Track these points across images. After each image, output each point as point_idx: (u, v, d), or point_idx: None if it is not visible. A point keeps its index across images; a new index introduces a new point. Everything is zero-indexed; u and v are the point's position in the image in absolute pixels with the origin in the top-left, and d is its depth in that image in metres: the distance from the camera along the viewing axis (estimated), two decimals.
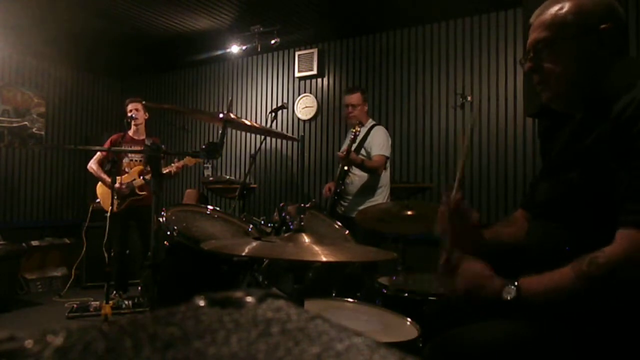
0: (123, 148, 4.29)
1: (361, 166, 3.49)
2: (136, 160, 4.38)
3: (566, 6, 1.16)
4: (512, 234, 1.41)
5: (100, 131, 6.09)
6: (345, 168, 3.59)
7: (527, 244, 1.30)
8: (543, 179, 1.29)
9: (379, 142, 3.58)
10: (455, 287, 1.17)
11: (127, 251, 4.41)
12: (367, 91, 4.10)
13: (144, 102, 4.61)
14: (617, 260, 0.97)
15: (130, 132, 4.37)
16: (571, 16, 1.15)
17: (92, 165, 4.36)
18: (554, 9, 1.18)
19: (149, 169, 4.27)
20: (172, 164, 4.19)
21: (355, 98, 3.70)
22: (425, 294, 1.88)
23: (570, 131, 1.23)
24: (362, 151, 3.60)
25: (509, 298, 1.06)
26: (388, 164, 3.65)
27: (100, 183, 4.39)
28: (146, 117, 4.47)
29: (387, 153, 3.58)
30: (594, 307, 1.05)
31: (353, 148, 3.55)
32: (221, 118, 2.14)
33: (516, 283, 1.07)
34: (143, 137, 4.38)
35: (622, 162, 1.02)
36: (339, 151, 3.59)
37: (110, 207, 3.86)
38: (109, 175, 3.93)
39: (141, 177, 4.24)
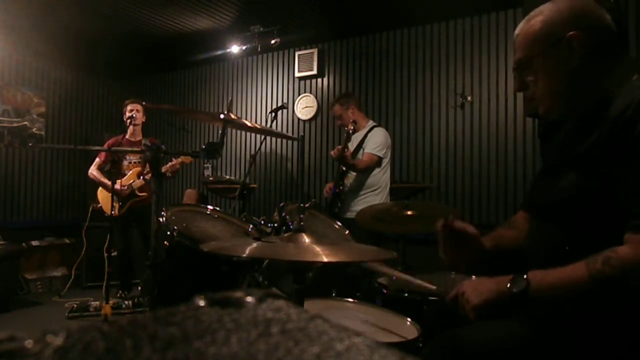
0: (122, 148, 4.28)
1: (353, 167, 3.47)
2: (135, 162, 4.38)
3: (536, 22, 1.19)
4: (513, 238, 1.41)
5: (100, 131, 6.09)
6: (344, 168, 3.57)
7: (526, 245, 1.29)
8: (542, 179, 1.29)
9: (373, 142, 3.53)
10: (468, 308, 1.15)
11: (130, 251, 4.42)
12: (350, 95, 3.93)
13: (143, 103, 4.61)
14: (630, 262, 0.97)
15: (127, 135, 4.37)
16: (539, 32, 1.18)
17: (93, 171, 4.36)
18: (527, 26, 1.21)
19: (147, 169, 4.29)
20: (166, 165, 4.15)
21: (336, 110, 3.69)
22: (425, 294, 1.88)
23: (569, 132, 1.22)
24: (361, 152, 3.58)
25: (517, 290, 1.06)
26: (387, 165, 3.60)
27: (100, 188, 4.39)
28: (143, 120, 4.46)
29: (380, 153, 3.50)
30: (601, 308, 1.04)
31: (352, 149, 3.53)
32: (221, 118, 2.14)
33: (525, 276, 1.08)
34: (140, 138, 4.37)
35: (623, 164, 1.01)
36: (333, 150, 3.54)
37: (111, 211, 3.85)
38: (109, 177, 3.92)
39: (140, 178, 4.23)
